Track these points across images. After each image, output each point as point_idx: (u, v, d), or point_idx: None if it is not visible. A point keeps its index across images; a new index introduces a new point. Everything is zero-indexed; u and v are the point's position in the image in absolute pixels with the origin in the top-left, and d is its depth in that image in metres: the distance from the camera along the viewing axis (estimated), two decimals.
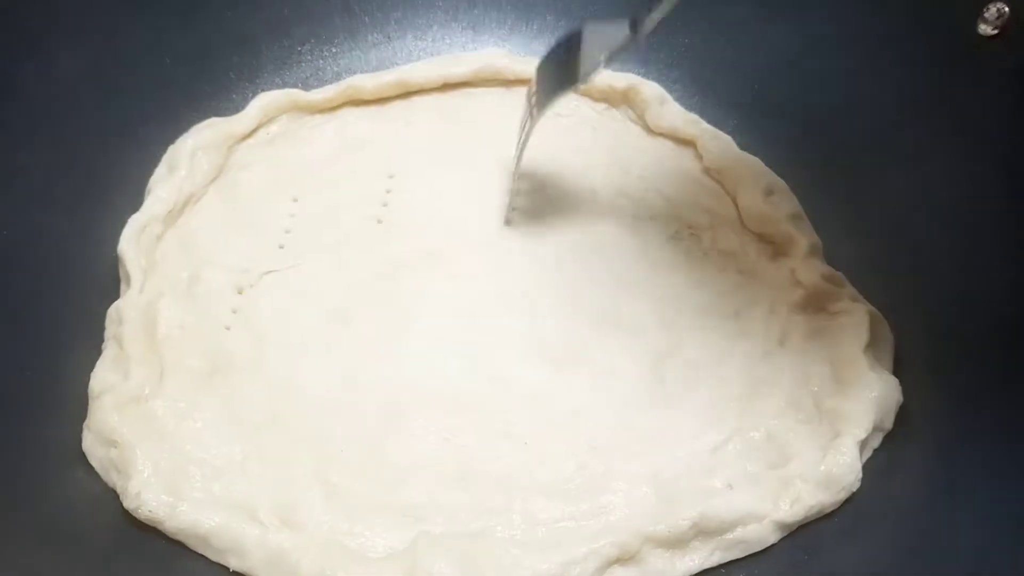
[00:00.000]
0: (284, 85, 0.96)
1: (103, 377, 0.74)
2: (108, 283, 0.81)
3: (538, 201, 0.88)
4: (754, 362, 0.76)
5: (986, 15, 0.79)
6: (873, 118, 0.87)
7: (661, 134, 0.93)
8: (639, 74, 0.96)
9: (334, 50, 1.01)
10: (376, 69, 0.98)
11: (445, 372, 0.76)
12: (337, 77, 0.98)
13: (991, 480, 0.66)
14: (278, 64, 0.99)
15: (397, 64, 0.99)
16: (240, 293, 0.81)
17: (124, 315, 0.76)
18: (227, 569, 0.66)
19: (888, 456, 0.71)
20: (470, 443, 0.72)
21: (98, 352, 0.76)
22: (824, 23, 0.91)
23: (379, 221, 0.86)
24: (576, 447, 0.72)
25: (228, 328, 0.78)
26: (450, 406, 0.74)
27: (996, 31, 0.79)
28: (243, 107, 0.93)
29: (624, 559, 0.65)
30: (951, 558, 0.63)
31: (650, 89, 0.94)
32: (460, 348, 0.77)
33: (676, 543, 0.65)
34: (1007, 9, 0.77)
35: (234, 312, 0.80)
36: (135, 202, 0.86)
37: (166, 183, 0.86)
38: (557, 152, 0.91)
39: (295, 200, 0.88)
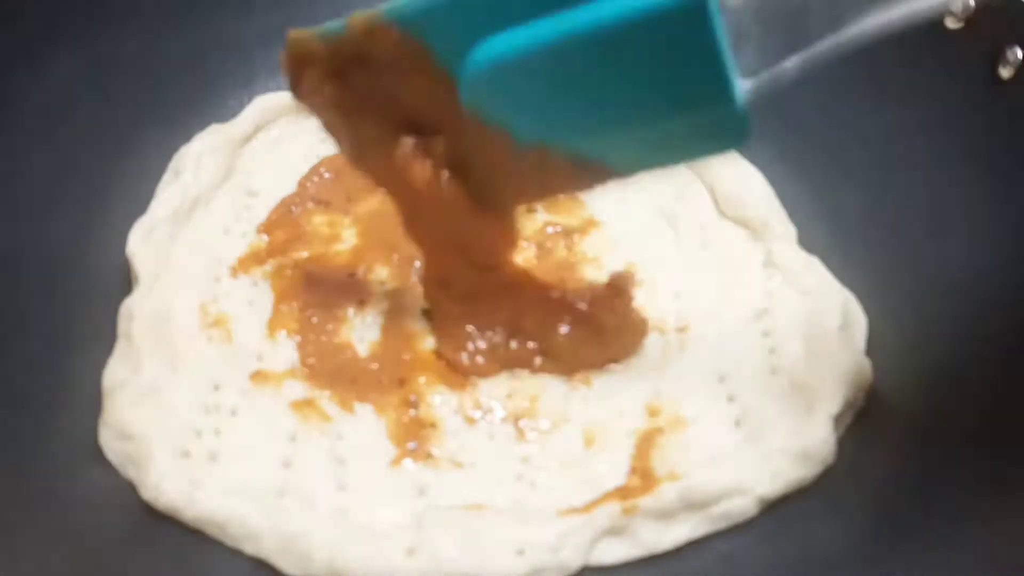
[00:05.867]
0: (278, 89, 0.98)
1: (115, 372, 0.76)
2: (114, 286, 0.83)
3: None
4: (729, 339, 0.79)
5: (952, 8, 0.82)
6: (846, 106, 0.90)
7: None
8: None
9: None
10: None
11: None
12: None
13: (958, 456, 0.69)
14: (272, 69, 0.98)
15: None
16: (255, 286, 0.84)
17: (134, 311, 0.79)
18: (243, 556, 0.68)
19: (860, 433, 0.74)
20: (473, 416, 0.76)
21: (108, 351, 0.78)
22: None
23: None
24: (559, 417, 0.75)
25: (246, 316, 0.81)
26: (454, 378, 0.77)
27: (962, 23, 0.82)
28: (239, 112, 0.96)
29: (616, 530, 0.68)
30: (923, 530, 0.66)
31: None
32: None
33: (664, 515, 0.69)
34: (972, 2, 0.80)
35: (250, 304, 0.82)
36: (136, 206, 0.87)
37: (171, 187, 0.89)
38: None
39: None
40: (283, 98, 0.97)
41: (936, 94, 0.83)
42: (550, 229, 0.89)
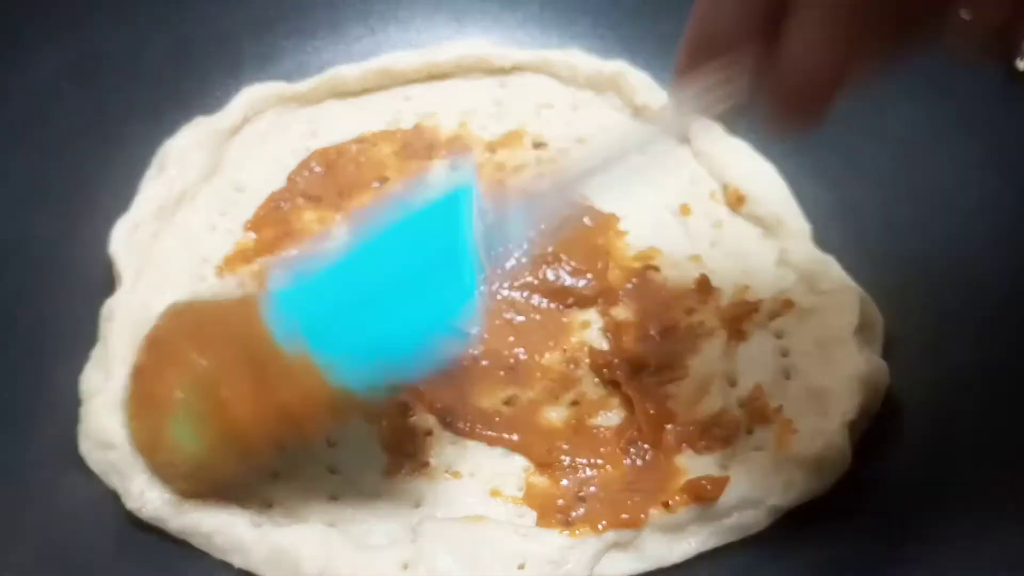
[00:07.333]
0: (267, 80, 0.96)
1: (91, 377, 0.74)
2: (98, 284, 0.81)
3: None
4: (741, 341, 0.77)
5: None
6: (864, 101, 0.88)
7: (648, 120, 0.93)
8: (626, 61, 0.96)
9: (317, 44, 1.01)
10: (359, 62, 0.98)
11: None
12: (320, 71, 0.97)
13: (980, 463, 0.67)
14: (260, 60, 0.99)
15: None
16: (242, 287, 0.81)
17: (114, 313, 0.76)
18: (231, 569, 0.66)
19: (876, 440, 0.72)
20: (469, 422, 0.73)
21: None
22: None
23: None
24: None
25: None
26: (443, 381, 0.74)
27: None
28: (226, 103, 0.93)
29: (623, 544, 0.66)
30: (942, 541, 0.63)
31: (638, 75, 0.95)
32: None
33: (673, 528, 0.67)
34: None
35: None
36: (121, 202, 0.85)
37: (155, 182, 0.86)
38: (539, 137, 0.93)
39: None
40: (271, 89, 0.94)
41: (954, 89, 0.81)
42: None
